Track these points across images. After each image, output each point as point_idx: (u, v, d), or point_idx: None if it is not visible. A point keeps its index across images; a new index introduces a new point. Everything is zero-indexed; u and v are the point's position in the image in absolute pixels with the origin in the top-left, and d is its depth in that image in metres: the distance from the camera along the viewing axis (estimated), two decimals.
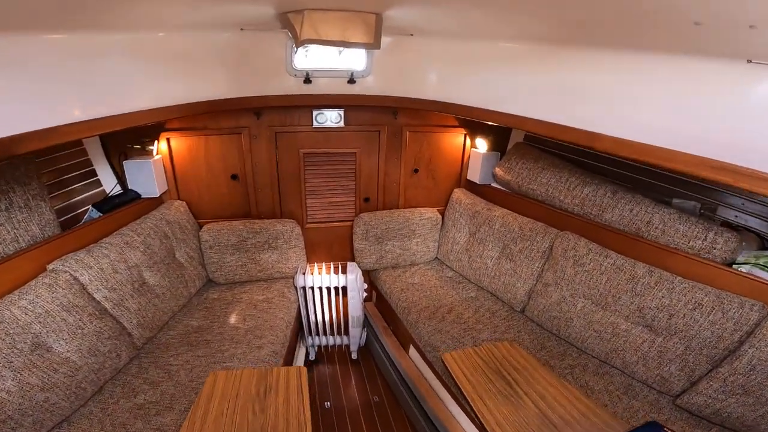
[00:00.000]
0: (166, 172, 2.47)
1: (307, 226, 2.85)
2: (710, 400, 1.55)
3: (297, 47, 2.05)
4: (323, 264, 2.79)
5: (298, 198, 2.77)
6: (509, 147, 2.84)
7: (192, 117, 2.34)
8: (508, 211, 2.56)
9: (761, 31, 0.93)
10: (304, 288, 2.56)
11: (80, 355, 1.57)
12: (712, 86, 1.26)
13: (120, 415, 1.56)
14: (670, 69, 1.31)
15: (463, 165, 2.99)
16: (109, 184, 2.31)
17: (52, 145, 1.37)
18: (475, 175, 2.87)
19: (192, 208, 2.59)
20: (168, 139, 2.41)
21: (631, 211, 2.00)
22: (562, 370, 1.90)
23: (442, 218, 2.93)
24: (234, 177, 2.60)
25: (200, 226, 2.56)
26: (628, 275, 1.88)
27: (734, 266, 1.71)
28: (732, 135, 1.23)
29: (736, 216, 1.92)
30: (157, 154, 2.38)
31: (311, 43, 1.78)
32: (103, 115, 1.55)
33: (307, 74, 2.26)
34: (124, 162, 2.27)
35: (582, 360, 1.97)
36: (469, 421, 1.77)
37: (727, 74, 1.19)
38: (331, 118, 2.57)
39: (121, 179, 2.33)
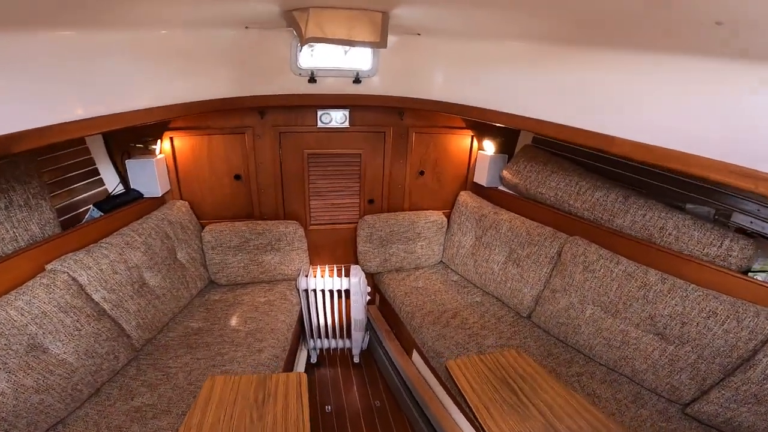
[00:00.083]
0: (168, 172, 2.45)
1: (311, 227, 2.81)
2: (721, 409, 1.52)
3: (302, 46, 2.02)
4: (326, 266, 2.75)
5: (301, 199, 2.73)
6: (517, 149, 2.79)
7: (195, 116, 2.32)
8: (516, 215, 2.51)
9: None
10: (306, 290, 2.52)
11: (77, 356, 1.55)
12: (735, 88, 1.20)
13: (116, 417, 1.53)
14: (691, 70, 1.26)
15: (470, 167, 2.94)
16: (111, 183, 2.29)
17: (50, 143, 1.34)
18: (481, 177, 2.82)
19: (194, 209, 2.57)
20: (171, 139, 2.39)
21: (643, 217, 1.95)
22: (569, 378, 1.86)
23: (448, 221, 2.89)
24: (237, 177, 2.58)
25: (202, 227, 2.54)
26: (640, 282, 1.83)
27: (750, 274, 1.67)
28: (754, 139, 1.18)
29: (751, 222, 1.86)
30: (160, 153, 2.36)
31: (316, 42, 1.74)
32: (103, 114, 1.53)
33: (312, 73, 2.22)
34: (126, 161, 2.25)
35: (589, 367, 1.93)
36: (473, 430, 1.72)
37: (749, 76, 1.14)
38: (336, 118, 2.54)
39: (123, 178, 2.31)
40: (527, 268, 2.30)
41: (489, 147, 2.77)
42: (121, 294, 1.80)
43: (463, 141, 2.84)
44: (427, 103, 2.34)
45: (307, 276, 2.51)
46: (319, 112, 2.51)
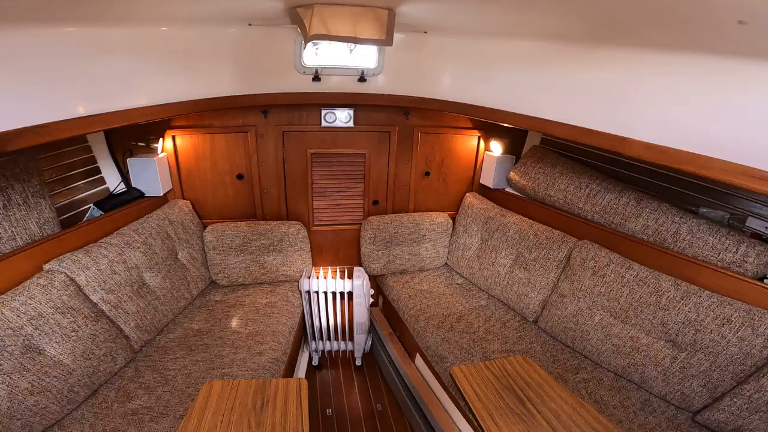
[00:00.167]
0: (170, 171, 2.42)
1: (314, 228, 2.77)
2: (732, 417, 1.50)
3: (306, 43, 1.98)
4: (329, 268, 2.72)
5: (304, 199, 2.70)
6: (525, 150, 2.74)
7: (198, 115, 2.30)
8: (523, 218, 2.46)
9: None
10: (308, 292, 2.48)
11: (73, 358, 1.52)
12: (755, 89, 1.15)
13: (113, 419, 1.51)
14: (710, 70, 1.21)
15: (477, 168, 2.89)
16: (113, 182, 2.26)
17: (48, 141, 1.31)
18: (488, 179, 2.76)
19: (196, 208, 2.54)
20: (173, 137, 2.37)
21: (656, 221, 1.89)
22: (576, 384, 1.82)
23: (453, 223, 2.83)
24: (239, 177, 2.54)
25: (204, 227, 2.50)
26: (652, 288, 1.78)
27: (765, 281, 1.62)
28: None
29: (767, 227, 1.80)
30: (161, 152, 2.33)
31: (320, 39, 1.71)
32: (103, 111, 1.50)
33: (317, 71, 2.18)
34: (128, 160, 2.22)
35: (597, 374, 1.89)
36: None
37: None
38: (340, 117, 2.50)
39: (125, 177, 2.29)
40: (534, 272, 2.25)
41: (496, 148, 2.72)
42: (119, 295, 1.78)
43: (469, 141, 2.79)
44: (434, 102, 2.30)
45: (309, 277, 2.47)
46: (323, 111, 2.47)
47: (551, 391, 1.64)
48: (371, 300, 2.62)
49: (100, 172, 2.22)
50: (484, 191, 2.86)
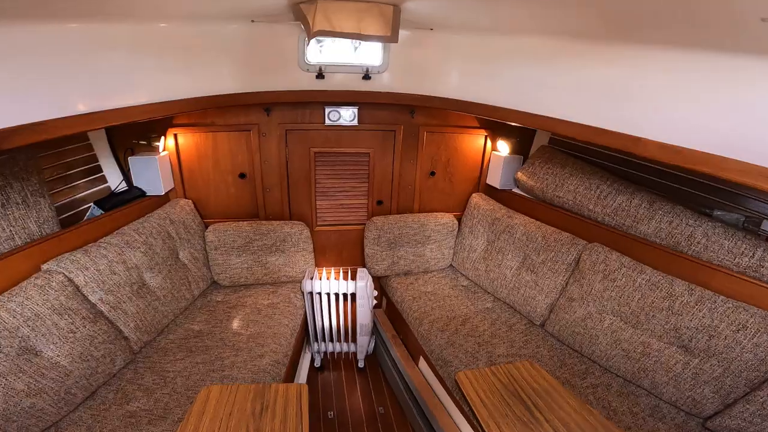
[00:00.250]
0: (172, 170, 2.40)
1: (317, 228, 2.74)
2: (744, 424, 1.47)
3: (309, 39, 1.95)
4: (332, 269, 2.68)
5: (307, 199, 2.66)
6: (533, 150, 2.68)
7: (200, 113, 2.27)
8: (531, 219, 2.40)
9: None
10: (311, 293, 2.45)
11: (71, 359, 1.50)
12: (763, 86, 1.10)
13: (110, 422, 1.48)
14: (735, 68, 1.15)
15: (483, 168, 2.83)
16: (114, 180, 2.24)
17: (45, 139, 1.28)
18: (495, 179, 2.71)
19: (198, 208, 2.51)
20: (175, 135, 2.34)
21: (669, 224, 1.84)
22: (584, 389, 1.79)
23: (459, 224, 2.78)
24: (242, 176, 2.51)
25: (206, 226, 2.48)
26: (665, 293, 1.73)
27: None
28: None
29: None
30: (163, 150, 2.31)
31: (324, 35, 1.67)
32: (102, 109, 1.47)
33: (320, 69, 2.14)
34: (129, 158, 2.20)
35: (605, 379, 1.85)
36: None
37: None
38: (344, 116, 2.46)
39: (126, 176, 2.26)
40: (542, 275, 2.20)
41: (503, 147, 2.67)
42: (119, 295, 1.75)
43: (476, 141, 2.74)
44: (440, 100, 2.25)
45: (312, 278, 2.44)
46: (327, 110, 2.43)
47: (559, 397, 1.59)
48: (374, 302, 2.58)
49: (102, 171, 2.19)
50: (491, 192, 2.81)
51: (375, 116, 2.53)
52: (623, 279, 1.86)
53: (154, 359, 1.82)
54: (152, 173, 2.22)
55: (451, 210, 2.86)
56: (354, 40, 2.05)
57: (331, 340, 2.68)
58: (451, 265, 2.81)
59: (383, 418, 2.38)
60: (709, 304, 1.63)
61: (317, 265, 2.73)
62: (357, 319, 2.55)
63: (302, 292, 2.47)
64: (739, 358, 1.53)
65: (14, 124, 1.20)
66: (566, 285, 2.13)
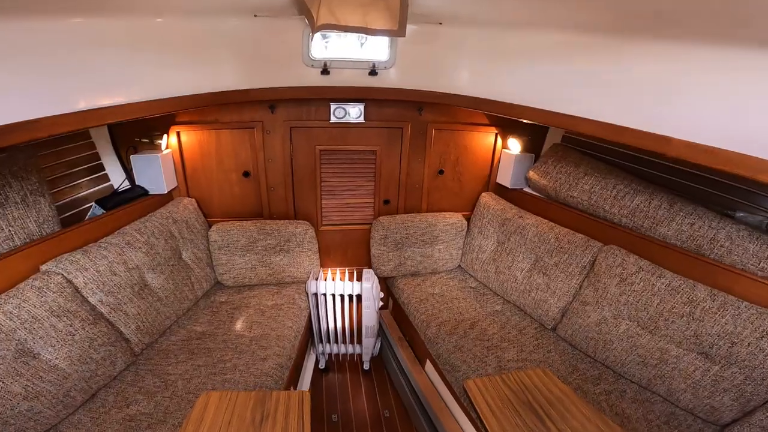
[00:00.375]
0: (175, 168, 2.36)
1: (322, 228, 2.69)
2: None
3: (313, 34, 1.89)
4: (337, 269, 2.63)
5: (312, 198, 2.61)
6: (545, 148, 2.59)
7: (203, 110, 2.22)
8: (543, 220, 2.32)
9: None
10: (316, 294, 2.40)
11: (69, 362, 1.47)
12: None
13: (110, 425, 1.46)
14: (747, 65, 1.08)
15: (493, 167, 2.75)
16: (117, 179, 2.21)
17: (41, 137, 1.24)
18: (505, 178, 2.63)
19: (201, 207, 2.48)
20: (178, 133, 2.30)
21: (691, 226, 1.75)
22: (597, 396, 1.73)
23: (468, 224, 2.71)
24: (246, 174, 2.47)
25: (209, 226, 2.44)
26: (686, 298, 1.65)
27: None
28: None
29: None
30: (166, 148, 2.27)
31: (329, 29, 1.61)
32: (101, 106, 1.43)
33: (325, 64, 2.09)
34: (131, 156, 2.16)
35: (619, 385, 1.79)
36: None
37: None
38: (351, 113, 2.40)
39: (129, 174, 2.23)
40: (555, 277, 2.12)
41: (514, 145, 2.58)
42: (119, 296, 1.72)
43: (486, 139, 2.66)
44: (449, 97, 2.17)
45: (317, 279, 2.39)
46: (333, 107, 2.37)
47: (572, 407, 1.52)
48: (381, 303, 2.53)
49: (104, 169, 2.16)
50: (501, 191, 2.73)
51: (382, 113, 2.46)
52: (641, 283, 1.78)
53: (155, 361, 1.79)
54: (155, 172, 2.18)
55: (459, 210, 2.79)
56: (360, 35, 1.99)
57: (336, 341, 2.63)
58: (459, 266, 2.74)
59: (388, 421, 2.33)
60: (733, 310, 1.55)
61: (322, 265, 2.68)
62: (363, 321, 2.50)
63: (307, 293, 2.42)
64: (762, 366, 1.47)
65: (9, 122, 1.16)
66: (580, 288, 2.05)
